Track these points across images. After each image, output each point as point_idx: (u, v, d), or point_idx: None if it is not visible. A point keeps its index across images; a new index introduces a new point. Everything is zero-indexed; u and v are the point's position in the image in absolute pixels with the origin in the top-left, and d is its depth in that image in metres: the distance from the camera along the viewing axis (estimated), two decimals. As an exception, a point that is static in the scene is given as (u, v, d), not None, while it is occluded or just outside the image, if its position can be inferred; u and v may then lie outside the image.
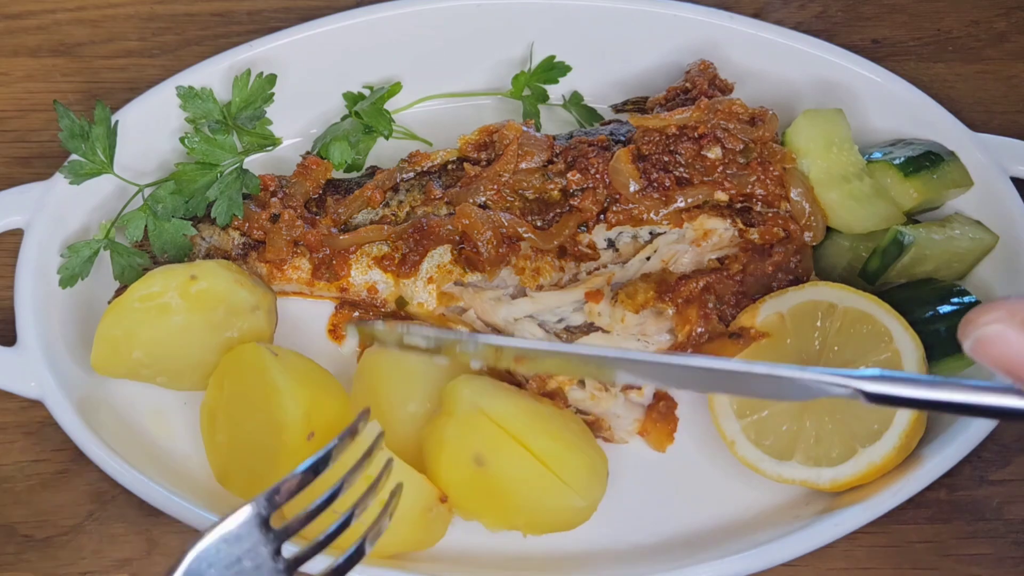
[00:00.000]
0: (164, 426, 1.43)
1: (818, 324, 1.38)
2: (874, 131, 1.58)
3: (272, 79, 1.55)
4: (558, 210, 1.47)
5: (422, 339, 1.15)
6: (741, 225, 1.46)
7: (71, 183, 1.48)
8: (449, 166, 1.52)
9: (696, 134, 1.46)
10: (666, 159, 1.46)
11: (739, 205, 1.47)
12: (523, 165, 1.48)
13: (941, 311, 1.41)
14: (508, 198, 1.47)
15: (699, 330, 1.42)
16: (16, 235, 1.49)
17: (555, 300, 1.45)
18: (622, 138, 1.50)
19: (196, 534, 1.30)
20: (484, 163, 1.50)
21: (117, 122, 1.50)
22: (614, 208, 1.45)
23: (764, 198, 1.46)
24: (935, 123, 1.56)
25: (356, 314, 1.49)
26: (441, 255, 1.46)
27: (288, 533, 1.12)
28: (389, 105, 1.62)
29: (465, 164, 1.49)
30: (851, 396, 1.04)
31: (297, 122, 1.62)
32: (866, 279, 1.46)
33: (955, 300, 1.42)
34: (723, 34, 1.61)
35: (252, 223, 1.48)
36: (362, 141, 1.60)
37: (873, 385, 1.03)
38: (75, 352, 1.44)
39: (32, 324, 1.41)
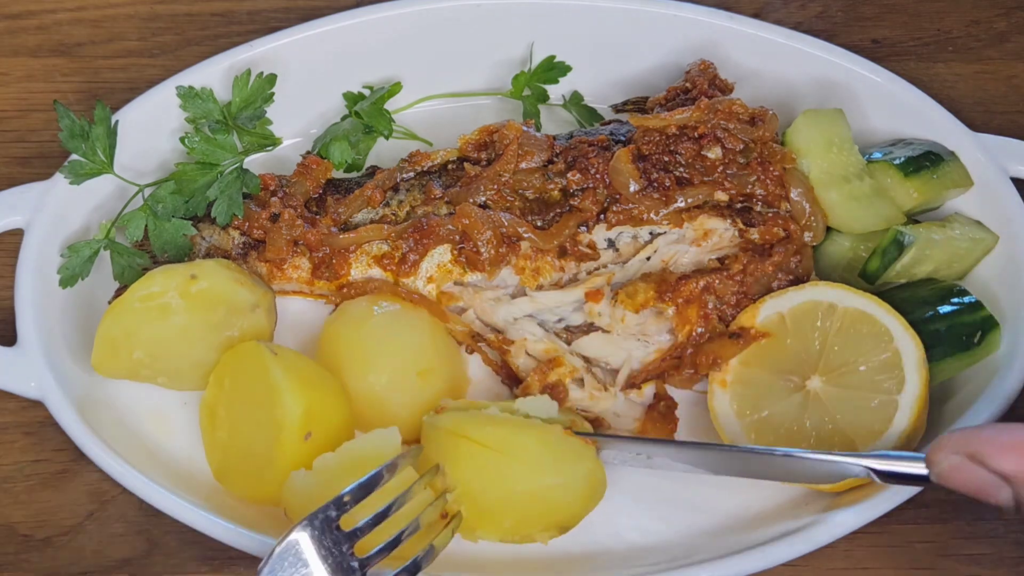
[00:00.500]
0: (164, 426, 1.43)
1: (818, 324, 1.38)
2: (874, 131, 1.58)
3: (272, 79, 1.55)
4: (558, 210, 1.47)
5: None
6: (741, 225, 1.46)
7: (71, 183, 1.48)
8: (449, 166, 1.52)
9: (696, 134, 1.46)
10: (666, 159, 1.46)
11: (739, 205, 1.47)
12: (523, 165, 1.48)
13: (941, 311, 1.41)
14: (508, 198, 1.47)
15: (699, 330, 1.42)
16: (16, 235, 1.49)
17: (555, 300, 1.45)
18: (622, 138, 1.50)
19: (194, 535, 1.31)
20: (484, 163, 1.50)
21: (117, 122, 1.50)
22: (614, 208, 1.45)
23: (764, 198, 1.46)
24: (935, 123, 1.56)
25: None
26: (441, 255, 1.46)
27: (360, 533, 1.19)
28: (389, 105, 1.62)
29: (465, 164, 1.49)
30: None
31: (297, 122, 1.62)
32: (866, 279, 1.46)
33: (955, 300, 1.42)
34: (723, 34, 1.61)
35: (252, 223, 1.48)
36: (362, 141, 1.60)
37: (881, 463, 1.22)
38: (75, 352, 1.44)
39: (32, 324, 1.41)
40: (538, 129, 1.59)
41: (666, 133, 1.47)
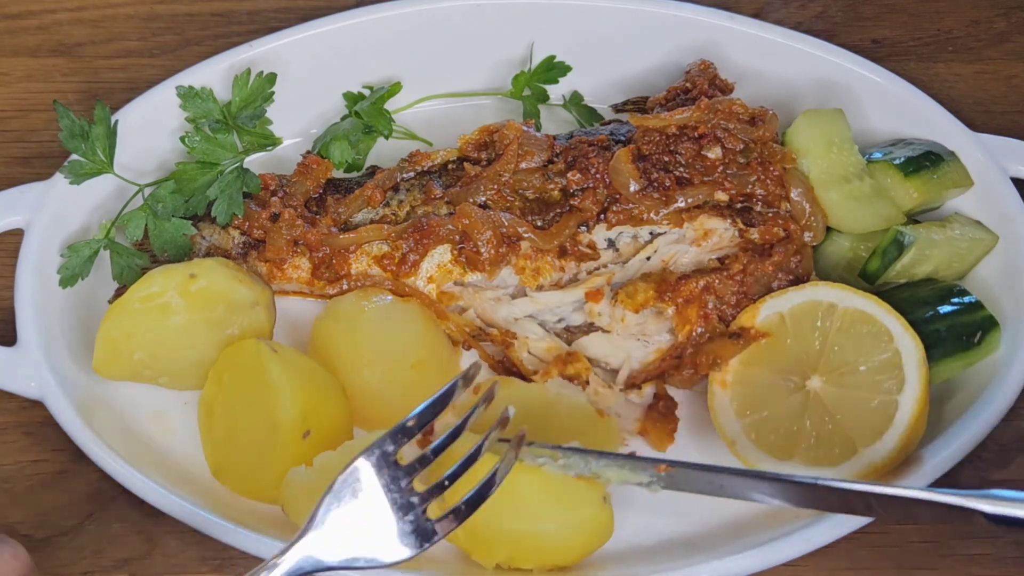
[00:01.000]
0: (164, 426, 1.43)
1: (818, 324, 1.38)
2: (874, 131, 1.58)
3: (272, 78, 1.55)
4: (558, 210, 1.47)
5: (559, 468, 1.25)
6: (741, 225, 1.46)
7: (71, 183, 1.48)
8: (449, 166, 1.52)
9: (696, 134, 1.46)
10: (666, 159, 1.46)
11: (739, 205, 1.47)
12: (523, 165, 1.48)
13: (941, 311, 1.41)
14: (508, 198, 1.47)
15: (699, 330, 1.42)
16: (16, 235, 1.49)
17: (555, 300, 1.45)
18: (622, 138, 1.50)
19: (194, 535, 1.31)
20: (484, 163, 1.50)
21: (117, 122, 1.50)
22: (614, 208, 1.45)
23: (764, 198, 1.46)
24: (935, 123, 1.56)
25: None
26: (441, 255, 1.46)
27: (422, 464, 1.19)
28: (389, 105, 1.62)
29: (465, 164, 1.49)
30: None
31: (297, 122, 1.62)
32: (866, 279, 1.46)
33: (955, 300, 1.42)
34: (723, 34, 1.61)
35: (252, 222, 1.48)
36: (362, 141, 1.60)
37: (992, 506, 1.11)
38: (75, 352, 1.44)
39: (32, 324, 1.41)
40: (538, 129, 1.59)
41: (666, 133, 1.47)
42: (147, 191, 1.50)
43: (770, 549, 1.30)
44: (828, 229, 1.48)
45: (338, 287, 1.47)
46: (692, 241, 1.46)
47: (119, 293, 1.46)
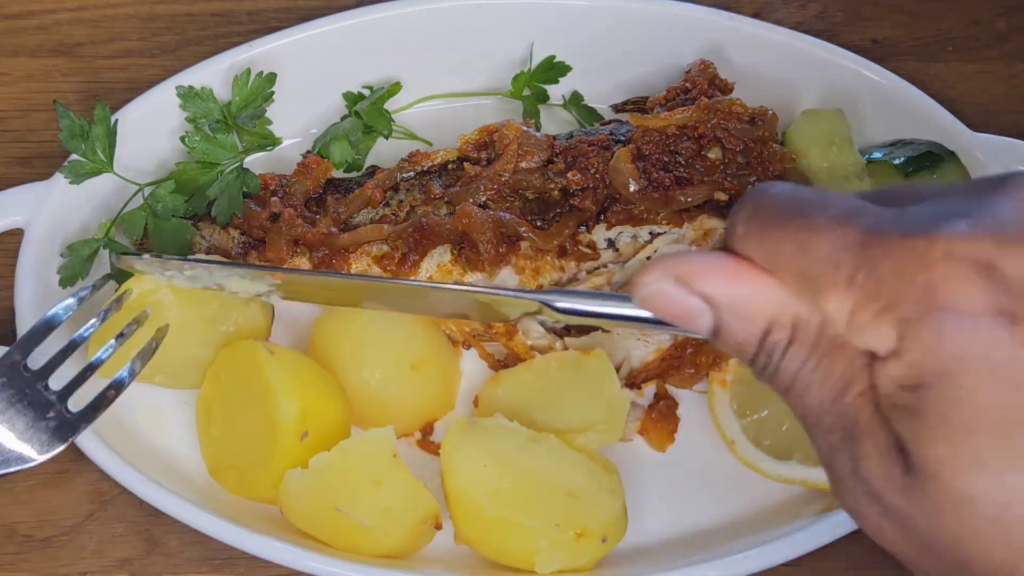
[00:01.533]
0: (164, 426, 1.43)
1: (818, 324, 1.37)
2: (874, 131, 1.58)
3: (272, 78, 1.55)
4: (558, 210, 1.47)
5: (186, 279, 1.33)
6: (741, 225, 1.46)
7: (71, 183, 1.48)
8: (449, 166, 1.52)
9: (696, 134, 1.46)
10: (666, 159, 1.46)
11: (739, 205, 1.47)
12: (523, 165, 1.48)
13: (941, 311, 1.41)
14: (508, 198, 1.47)
15: (699, 330, 1.42)
16: (16, 235, 1.49)
17: (555, 300, 1.45)
18: (622, 138, 1.50)
19: (194, 535, 1.31)
20: (484, 163, 1.50)
21: (117, 122, 1.50)
22: (614, 208, 1.45)
23: (764, 198, 1.46)
24: (935, 123, 1.56)
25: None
26: (441, 255, 1.46)
27: (52, 368, 1.30)
28: (389, 105, 1.62)
29: (465, 164, 1.49)
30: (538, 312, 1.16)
31: (297, 122, 1.62)
32: (866, 279, 1.45)
33: (955, 300, 1.42)
34: (723, 34, 1.61)
35: (252, 222, 1.48)
36: (362, 141, 1.60)
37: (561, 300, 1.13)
38: (75, 352, 1.44)
39: (32, 324, 1.41)
40: (538, 129, 1.59)
41: (666, 133, 1.47)
42: (147, 191, 1.50)
43: (770, 549, 1.30)
44: (828, 229, 1.47)
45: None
46: (692, 241, 1.46)
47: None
